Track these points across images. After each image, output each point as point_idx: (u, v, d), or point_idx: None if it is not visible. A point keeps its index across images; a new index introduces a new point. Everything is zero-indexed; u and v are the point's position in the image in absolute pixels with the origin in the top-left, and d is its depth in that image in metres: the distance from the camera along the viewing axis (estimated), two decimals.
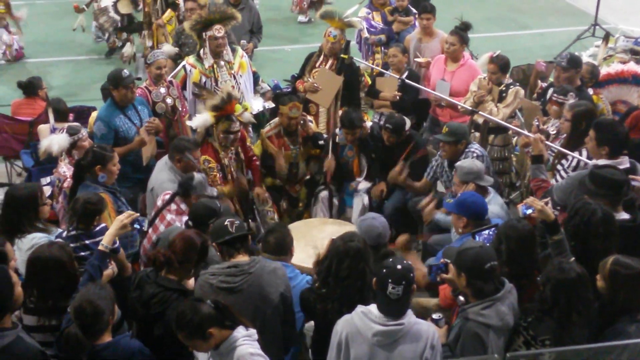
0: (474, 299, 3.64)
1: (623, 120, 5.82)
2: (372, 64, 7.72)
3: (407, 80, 6.76)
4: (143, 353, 3.57)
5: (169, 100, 6.38)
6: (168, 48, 7.31)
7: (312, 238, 5.40)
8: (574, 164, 5.09)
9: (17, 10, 10.26)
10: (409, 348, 3.43)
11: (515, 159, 6.64)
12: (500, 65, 6.44)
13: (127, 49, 9.51)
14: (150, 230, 5.03)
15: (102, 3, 9.68)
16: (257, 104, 7.30)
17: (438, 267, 3.89)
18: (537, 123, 5.92)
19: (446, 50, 6.94)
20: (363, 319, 3.47)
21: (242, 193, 6.06)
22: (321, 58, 6.95)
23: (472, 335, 3.58)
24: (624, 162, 4.71)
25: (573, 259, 3.87)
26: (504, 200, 5.62)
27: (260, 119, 7.20)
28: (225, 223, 3.97)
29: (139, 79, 7.69)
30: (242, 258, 3.92)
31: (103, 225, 4.38)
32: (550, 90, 6.07)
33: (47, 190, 5.39)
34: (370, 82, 7.27)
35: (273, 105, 7.13)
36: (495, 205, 4.96)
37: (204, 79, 6.60)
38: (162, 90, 6.36)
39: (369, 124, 6.55)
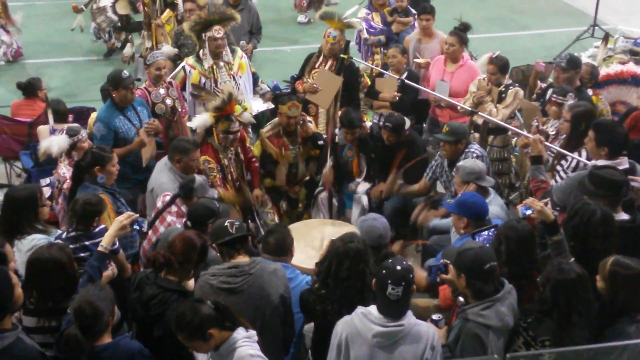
0: (473, 300, 3.64)
1: (622, 121, 5.81)
2: (372, 64, 7.71)
3: (406, 81, 6.76)
4: (143, 354, 3.56)
5: (168, 101, 6.38)
6: (167, 49, 7.31)
7: (311, 239, 5.41)
8: (573, 164, 5.09)
9: (14, 12, 10.26)
10: (409, 349, 3.43)
11: (514, 160, 6.63)
12: (499, 66, 6.44)
13: (127, 50, 9.50)
14: (150, 232, 5.02)
15: (100, 3, 9.68)
16: (256, 105, 7.30)
17: (438, 267, 3.89)
18: (536, 124, 5.92)
19: (445, 50, 6.95)
20: (363, 320, 3.47)
21: (245, 203, 6.06)
22: (321, 59, 6.95)
23: (472, 336, 3.58)
24: (624, 163, 4.71)
25: (573, 259, 3.87)
26: (503, 201, 5.62)
27: (260, 119, 7.20)
28: (225, 224, 3.97)
29: (139, 79, 7.69)
30: (243, 259, 3.92)
31: (102, 226, 4.38)
32: (550, 91, 6.07)
33: (47, 192, 5.39)
34: (369, 83, 7.27)
35: (272, 106, 7.13)
36: (495, 206, 4.96)
37: (203, 80, 6.60)
38: (162, 91, 6.36)
39: (368, 124, 6.55)
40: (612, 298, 3.66)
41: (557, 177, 5.09)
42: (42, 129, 6.44)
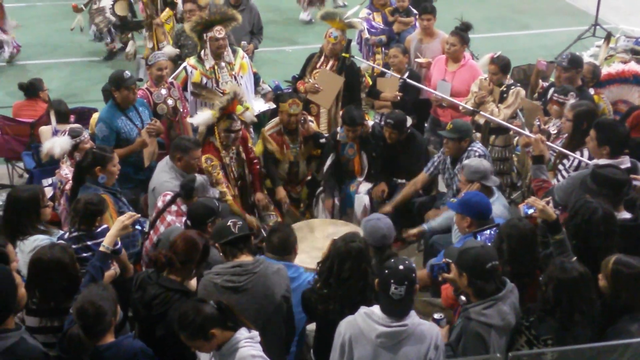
0: (475, 299, 3.64)
1: (624, 120, 5.81)
2: (373, 64, 7.71)
3: (408, 80, 6.76)
4: (145, 354, 3.56)
5: (170, 102, 6.38)
6: (169, 49, 7.32)
7: (313, 239, 5.41)
8: (575, 163, 5.08)
9: (11, 17, 10.28)
10: (413, 349, 3.42)
11: (516, 159, 6.63)
12: (501, 66, 6.44)
13: (129, 47, 9.50)
14: (151, 232, 5.03)
15: (100, 4, 9.68)
16: (258, 105, 7.30)
17: (440, 266, 3.89)
18: (538, 123, 5.92)
19: (447, 50, 6.94)
20: (366, 320, 3.47)
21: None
22: (322, 59, 6.94)
23: (474, 335, 3.58)
24: (625, 162, 4.71)
25: (575, 258, 3.87)
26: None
27: (262, 119, 7.20)
28: (228, 223, 3.98)
29: (141, 80, 7.69)
30: (246, 258, 3.92)
31: (105, 226, 4.38)
32: (551, 90, 6.07)
33: (49, 192, 5.39)
34: (371, 83, 7.27)
35: (274, 106, 7.13)
36: (499, 205, 4.95)
37: (205, 80, 6.61)
38: (163, 91, 6.36)
39: (370, 122, 6.55)
40: (615, 297, 3.67)
41: (559, 177, 5.09)
42: (44, 130, 6.45)
